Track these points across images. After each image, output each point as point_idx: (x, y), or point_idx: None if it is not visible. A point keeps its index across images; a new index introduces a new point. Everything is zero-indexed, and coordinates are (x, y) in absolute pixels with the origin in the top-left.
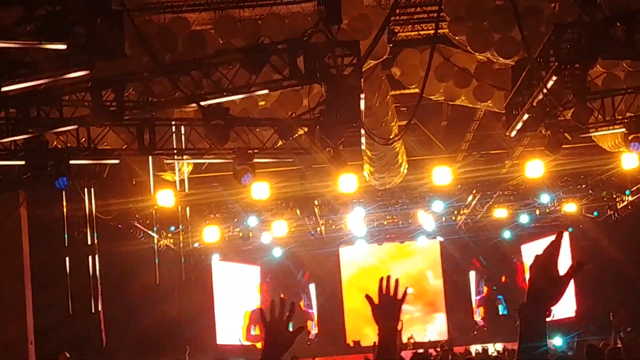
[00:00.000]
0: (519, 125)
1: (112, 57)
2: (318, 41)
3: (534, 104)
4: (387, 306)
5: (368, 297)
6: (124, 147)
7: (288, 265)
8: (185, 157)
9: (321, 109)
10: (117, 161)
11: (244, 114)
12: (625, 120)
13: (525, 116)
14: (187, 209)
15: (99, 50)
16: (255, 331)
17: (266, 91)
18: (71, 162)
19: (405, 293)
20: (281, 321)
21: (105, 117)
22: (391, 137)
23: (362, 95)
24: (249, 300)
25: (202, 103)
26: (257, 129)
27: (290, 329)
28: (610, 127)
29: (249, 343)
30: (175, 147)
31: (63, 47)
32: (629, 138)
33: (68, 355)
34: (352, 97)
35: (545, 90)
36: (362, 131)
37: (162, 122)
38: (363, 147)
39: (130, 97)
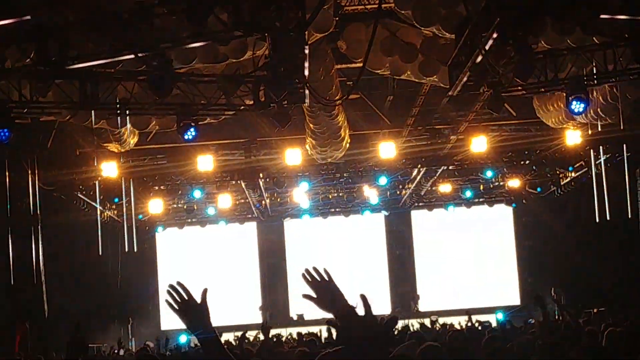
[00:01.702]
0: (461, 84)
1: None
2: None
3: (477, 62)
4: (326, 292)
5: (306, 296)
6: (67, 102)
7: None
8: (127, 111)
9: (265, 63)
10: (59, 114)
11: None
12: (566, 81)
13: (467, 75)
14: (131, 180)
15: None
16: None
17: (209, 42)
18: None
19: (327, 272)
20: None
21: (48, 66)
22: (336, 98)
23: (307, 49)
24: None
25: (143, 54)
26: (202, 101)
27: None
28: (552, 89)
29: None
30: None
31: None
32: (570, 98)
33: (28, 325)
34: (296, 50)
35: (484, 51)
36: (306, 90)
37: (106, 76)
38: (306, 103)
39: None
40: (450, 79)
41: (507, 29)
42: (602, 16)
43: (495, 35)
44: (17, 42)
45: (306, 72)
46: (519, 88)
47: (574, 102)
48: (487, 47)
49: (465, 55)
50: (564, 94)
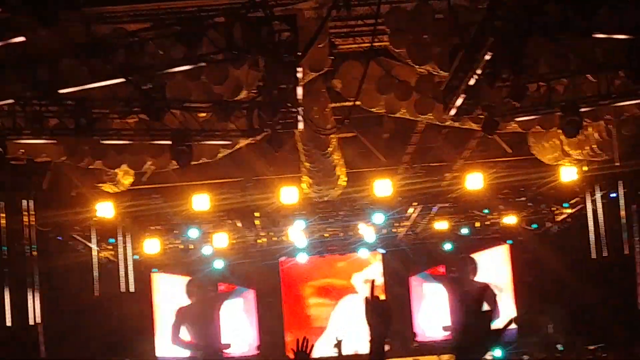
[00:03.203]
0: (455, 108)
1: (46, 22)
2: (255, 15)
3: (470, 85)
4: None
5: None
6: (61, 128)
7: (229, 277)
8: (122, 139)
9: (258, 86)
10: (54, 141)
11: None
12: (562, 103)
13: (462, 98)
14: (127, 220)
15: (34, 14)
16: (186, 336)
17: (203, 64)
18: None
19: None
20: None
21: (40, 89)
22: (329, 131)
23: (300, 70)
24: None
25: (134, 78)
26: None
27: None
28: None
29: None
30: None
31: None
32: (564, 120)
33: None
34: (288, 73)
35: (478, 73)
36: (300, 114)
37: (99, 103)
38: (300, 128)
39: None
40: (444, 104)
41: (501, 50)
42: (595, 35)
43: (488, 56)
44: (9, 68)
45: (299, 96)
46: (513, 109)
47: (568, 125)
48: (480, 69)
49: (459, 79)
50: (559, 131)
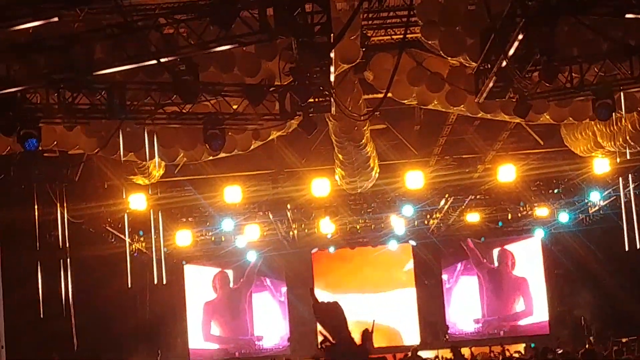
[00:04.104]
0: (487, 91)
1: (79, 3)
2: None
3: (502, 66)
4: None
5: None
6: (94, 110)
7: (260, 269)
8: (155, 121)
9: (291, 67)
10: (86, 122)
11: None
12: (594, 86)
13: (493, 81)
14: (159, 212)
15: None
16: (216, 330)
17: (236, 45)
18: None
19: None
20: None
21: (73, 73)
22: (361, 117)
23: (332, 55)
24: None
25: (169, 58)
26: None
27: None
28: (577, 94)
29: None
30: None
31: None
32: (597, 105)
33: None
34: (321, 55)
35: (509, 55)
36: (332, 99)
37: (133, 84)
38: (332, 112)
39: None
40: (475, 86)
41: (532, 30)
42: (628, 15)
43: (520, 38)
44: (41, 50)
45: (332, 79)
46: (545, 92)
47: (600, 110)
48: (512, 51)
49: (491, 62)
50: (592, 122)
